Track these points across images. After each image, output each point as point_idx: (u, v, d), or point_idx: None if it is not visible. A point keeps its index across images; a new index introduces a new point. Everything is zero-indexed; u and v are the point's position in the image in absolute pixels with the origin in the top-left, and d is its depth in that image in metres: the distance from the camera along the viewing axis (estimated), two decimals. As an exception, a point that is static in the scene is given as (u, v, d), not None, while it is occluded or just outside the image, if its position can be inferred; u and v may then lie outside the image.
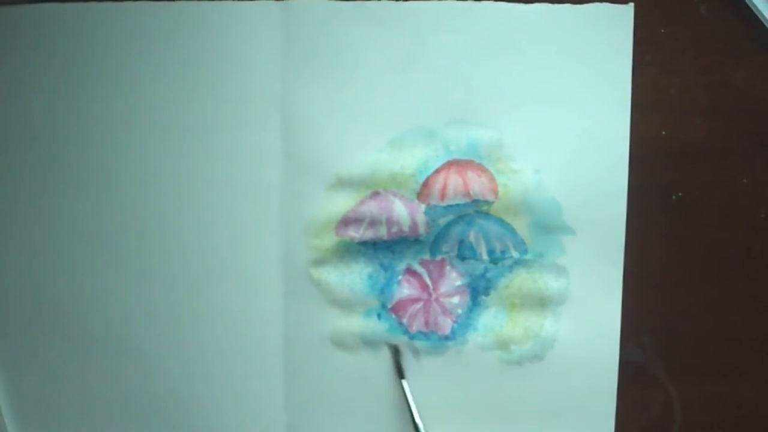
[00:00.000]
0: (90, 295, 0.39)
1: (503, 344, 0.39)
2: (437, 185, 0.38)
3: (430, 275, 0.39)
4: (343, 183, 0.38)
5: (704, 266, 0.39)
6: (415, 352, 0.39)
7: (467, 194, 0.38)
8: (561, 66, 0.37)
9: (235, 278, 0.39)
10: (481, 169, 0.38)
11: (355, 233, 0.38)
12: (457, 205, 0.38)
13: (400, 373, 0.38)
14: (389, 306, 0.39)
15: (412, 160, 0.38)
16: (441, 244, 0.38)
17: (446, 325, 0.39)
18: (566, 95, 0.37)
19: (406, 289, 0.39)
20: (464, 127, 0.37)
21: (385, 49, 0.37)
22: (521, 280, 0.38)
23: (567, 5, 0.37)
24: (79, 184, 0.38)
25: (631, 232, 0.38)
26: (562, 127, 0.37)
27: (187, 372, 0.39)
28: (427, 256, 0.39)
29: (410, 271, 0.39)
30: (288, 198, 0.38)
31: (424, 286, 0.39)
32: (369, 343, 0.39)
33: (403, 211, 0.38)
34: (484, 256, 0.38)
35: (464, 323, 0.39)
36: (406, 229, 0.38)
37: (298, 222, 0.38)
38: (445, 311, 0.39)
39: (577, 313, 0.38)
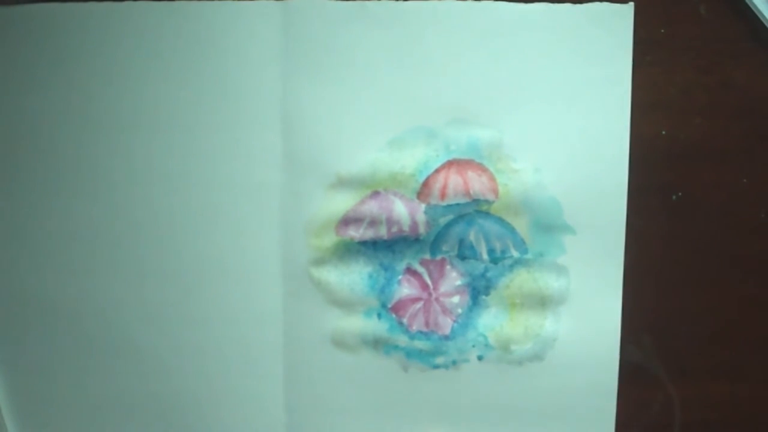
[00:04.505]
0: (90, 295, 0.39)
1: (503, 344, 0.39)
2: (437, 185, 0.38)
3: (430, 275, 0.39)
4: (343, 183, 0.38)
5: (704, 266, 0.39)
6: (415, 351, 0.39)
7: (467, 194, 0.38)
8: (561, 65, 0.37)
9: (235, 278, 0.39)
10: (481, 168, 0.38)
11: (355, 233, 0.38)
12: (458, 204, 0.38)
13: None
14: (389, 306, 0.39)
15: (412, 159, 0.38)
16: (441, 243, 0.38)
17: (446, 324, 0.39)
18: (566, 95, 0.37)
19: (406, 289, 0.39)
20: (464, 127, 0.37)
21: (385, 49, 0.37)
22: (521, 280, 0.38)
23: (567, 5, 0.36)
24: (78, 184, 0.38)
25: (631, 232, 0.38)
26: (562, 127, 0.37)
27: (187, 372, 0.39)
28: (427, 256, 0.39)
29: (410, 271, 0.39)
30: (288, 198, 0.38)
31: (425, 286, 0.39)
32: (369, 343, 0.39)
33: (403, 210, 0.38)
34: (485, 256, 0.38)
35: (464, 323, 0.39)
36: (406, 228, 0.38)
37: (298, 222, 0.38)
38: (446, 311, 0.39)
39: (578, 313, 0.38)
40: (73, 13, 0.37)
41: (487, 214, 0.38)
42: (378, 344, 0.39)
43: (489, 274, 0.38)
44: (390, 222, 0.38)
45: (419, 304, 0.39)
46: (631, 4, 0.36)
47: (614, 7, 0.36)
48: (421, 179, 0.38)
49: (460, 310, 0.39)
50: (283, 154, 0.38)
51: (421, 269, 0.39)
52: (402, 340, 0.39)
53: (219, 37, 0.37)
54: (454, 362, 0.39)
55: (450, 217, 0.38)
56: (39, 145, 0.38)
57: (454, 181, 0.38)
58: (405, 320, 0.39)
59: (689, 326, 0.40)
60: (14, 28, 0.37)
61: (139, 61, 0.37)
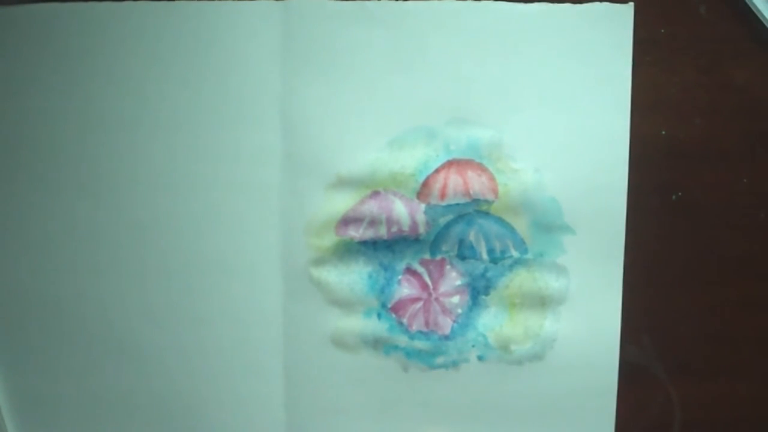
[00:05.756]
0: (90, 294, 0.39)
1: (503, 344, 0.39)
2: (437, 185, 0.38)
3: (430, 275, 0.39)
4: (343, 182, 0.38)
5: (704, 266, 0.39)
6: (415, 351, 0.39)
7: (467, 194, 0.38)
8: (561, 66, 0.37)
9: (235, 278, 0.39)
10: (481, 168, 0.38)
11: (355, 233, 0.38)
12: (457, 204, 0.38)
13: None
14: (389, 305, 0.39)
15: (412, 159, 0.38)
16: (441, 243, 0.38)
17: (446, 324, 0.39)
18: (566, 95, 0.37)
19: (406, 289, 0.39)
20: (464, 127, 0.37)
21: (385, 49, 0.37)
22: (521, 280, 0.38)
23: (567, 5, 0.37)
24: (78, 184, 0.38)
25: (631, 232, 0.38)
26: (562, 127, 0.37)
27: (187, 372, 0.39)
28: (427, 256, 0.39)
29: (410, 271, 0.39)
30: (288, 198, 0.38)
31: (424, 286, 0.39)
32: (369, 343, 0.39)
33: (403, 210, 0.38)
34: (484, 256, 0.38)
35: (464, 323, 0.39)
36: (406, 228, 0.38)
37: (298, 222, 0.38)
38: (445, 311, 0.39)
39: (577, 313, 0.38)
40: (73, 13, 0.37)
41: (486, 214, 0.38)
42: (378, 344, 0.39)
43: (489, 274, 0.38)
44: (390, 222, 0.38)
45: (419, 304, 0.39)
46: (631, 4, 0.36)
47: (614, 7, 0.36)
48: (421, 179, 0.38)
49: (459, 310, 0.39)
50: (283, 154, 0.38)
51: (421, 269, 0.39)
52: (402, 340, 0.39)
53: (219, 37, 0.37)
54: (454, 362, 0.39)
55: (450, 217, 0.38)
56: (40, 145, 0.38)
57: (453, 181, 0.38)
58: (405, 320, 0.39)
59: (689, 326, 0.40)
60: (14, 28, 0.37)
61: (139, 61, 0.37)
